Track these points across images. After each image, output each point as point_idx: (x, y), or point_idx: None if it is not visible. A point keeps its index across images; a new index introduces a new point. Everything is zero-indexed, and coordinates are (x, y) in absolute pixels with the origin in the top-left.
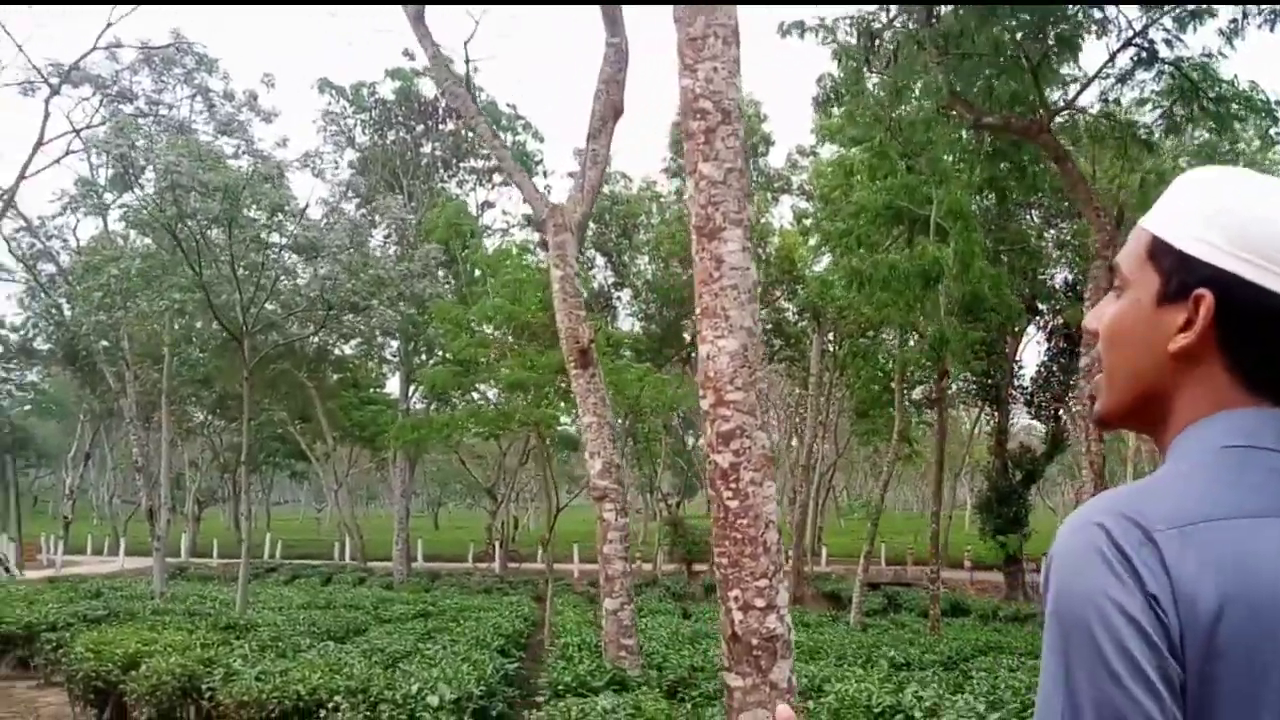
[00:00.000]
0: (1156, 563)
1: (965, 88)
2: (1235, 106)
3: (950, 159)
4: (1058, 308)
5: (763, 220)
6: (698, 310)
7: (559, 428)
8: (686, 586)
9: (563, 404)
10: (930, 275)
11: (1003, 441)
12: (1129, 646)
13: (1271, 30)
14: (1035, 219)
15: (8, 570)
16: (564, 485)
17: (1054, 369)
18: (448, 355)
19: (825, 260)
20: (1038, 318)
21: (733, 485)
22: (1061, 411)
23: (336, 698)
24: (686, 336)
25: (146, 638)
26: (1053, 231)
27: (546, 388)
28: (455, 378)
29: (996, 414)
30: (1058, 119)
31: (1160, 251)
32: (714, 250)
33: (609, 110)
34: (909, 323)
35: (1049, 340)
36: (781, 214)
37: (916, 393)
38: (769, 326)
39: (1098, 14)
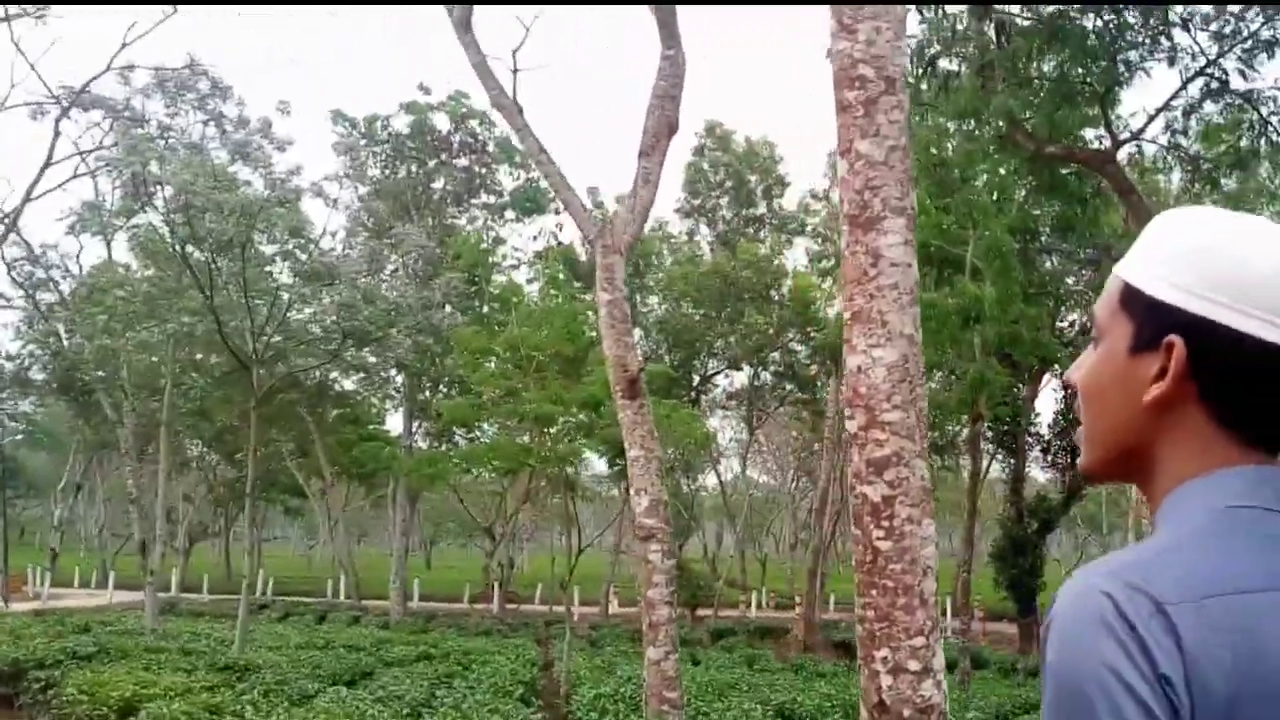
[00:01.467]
0: (1169, 640)
1: (1030, 116)
2: None
3: (990, 196)
4: (1075, 353)
5: (776, 263)
6: (846, 315)
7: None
8: (691, 631)
9: (584, 439)
10: (969, 314)
11: (1019, 490)
12: None
13: None
14: (1055, 263)
15: None
16: (557, 525)
17: (1071, 416)
18: (468, 387)
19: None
20: (1054, 365)
21: (885, 523)
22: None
23: None
24: (696, 377)
25: (144, 679)
26: (1071, 277)
27: (571, 421)
28: (475, 410)
29: (1014, 461)
30: (1123, 150)
31: (1131, 298)
32: (870, 243)
33: (663, 126)
34: (940, 364)
35: (1065, 388)
36: (795, 257)
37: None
38: (781, 369)
39: (1166, 41)
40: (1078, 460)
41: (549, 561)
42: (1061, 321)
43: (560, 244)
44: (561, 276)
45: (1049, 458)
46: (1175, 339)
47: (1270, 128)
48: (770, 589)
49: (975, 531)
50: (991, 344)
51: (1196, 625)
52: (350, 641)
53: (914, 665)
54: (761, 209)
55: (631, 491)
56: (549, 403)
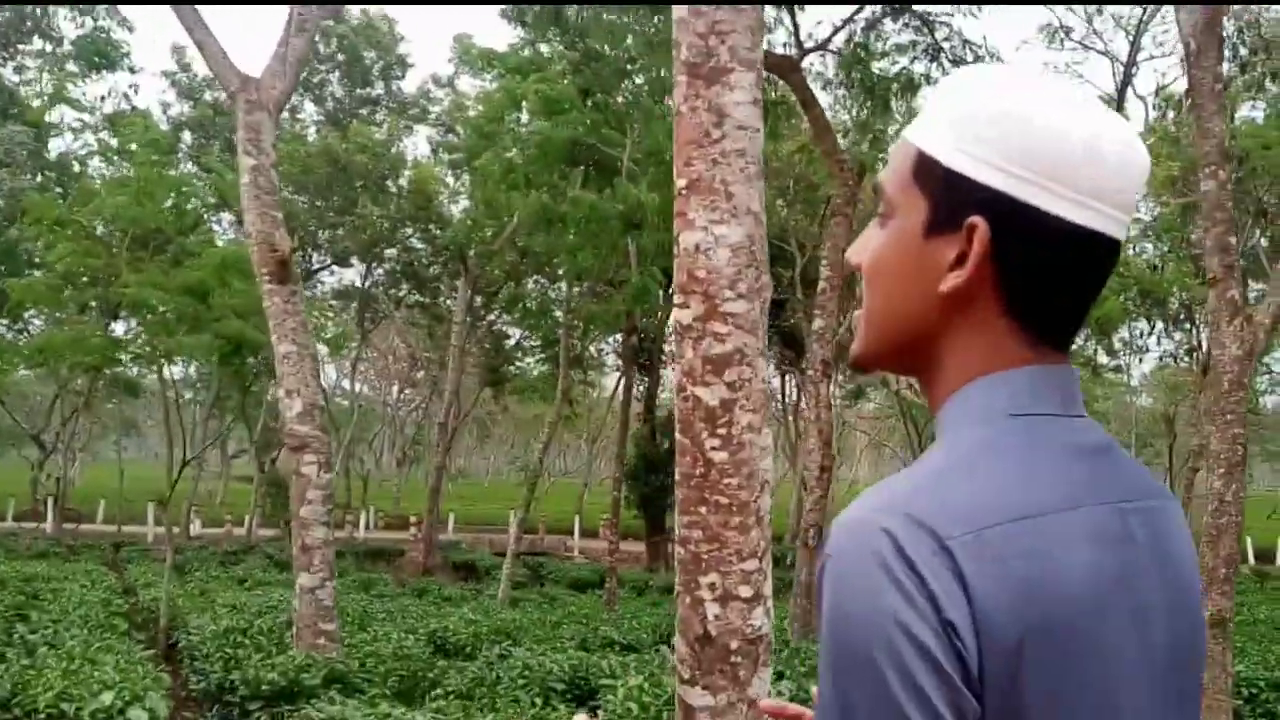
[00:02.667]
0: (953, 580)
1: None
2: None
3: (652, 98)
4: None
5: (394, 150)
6: (680, 184)
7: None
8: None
9: (188, 334)
10: (632, 219)
11: (651, 407)
12: (919, 681)
13: None
14: None
15: None
16: (113, 434)
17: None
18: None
19: (466, 201)
20: None
21: (721, 430)
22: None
23: None
24: (299, 271)
25: None
26: None
27: (170, 312)
28: (52, 293)
29: (648, 377)
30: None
31: (925, 171)
32: (714, 99)
33: None
34: (600, 270)
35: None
36: (416, 146)
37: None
38: (397, 269)
39: None
40: (851, 347)
41: (111, 473)
42: None
43: (134, 109)
44: (155, 147)
45: None
46: (979, 221)
47: (943, 54)
48: (377, 509)
49: (589, 453)
50: (650, 253)
51: (979, 560)
52: None
53: (745, 591)
54: (379, 90)
55: (281, 393)
56: (150, 287)
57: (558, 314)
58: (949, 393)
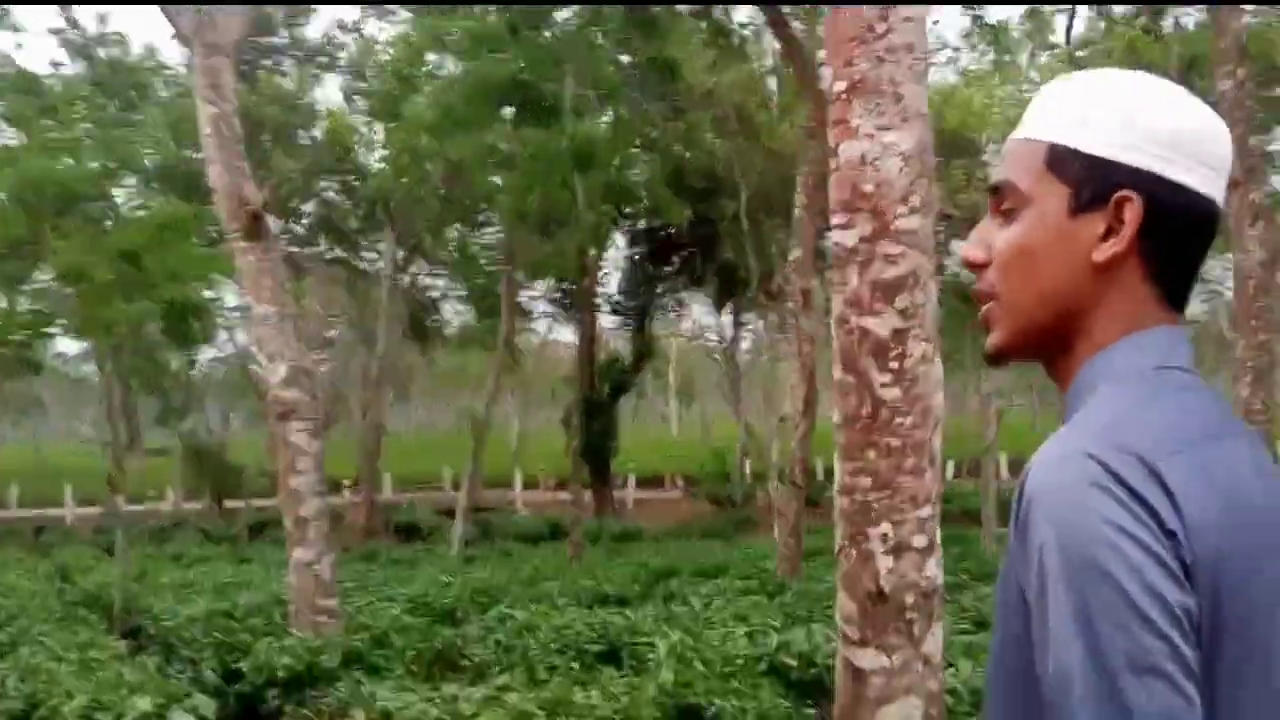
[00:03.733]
0: (1163, 495)
1: None
2: None
3: (595, 29)
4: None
5: (305, 100)
6: (838, 87)
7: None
8: (229, 528)
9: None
10: (585, 157)
11: (591, 352)
12: (1158, 587)
13: None
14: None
15: None
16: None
17: (640, 275)
18: None
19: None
20: (623, 221)
21: (894, 364)
22: (647, 320)
23: None
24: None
25: None
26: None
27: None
28: None
29: (585, 321)
30: None
31: (1064, 160)
32: None
33: None
34: (551, 211)
35: (632, 244)
36: (327, 95)
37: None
38: (315, 223)
39: None
40: (989, 340)
41: (12, 456)
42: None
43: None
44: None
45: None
46: (1132, 194)
47: None
48: None
49: (520, 400)
50: (598, 191)
51: (1186, 480)
52: None
53: (919, 541)
54: (283, 38)
55: (262, 358)
56: (85, 253)
57: (485, 263)
58: (1089, 355)
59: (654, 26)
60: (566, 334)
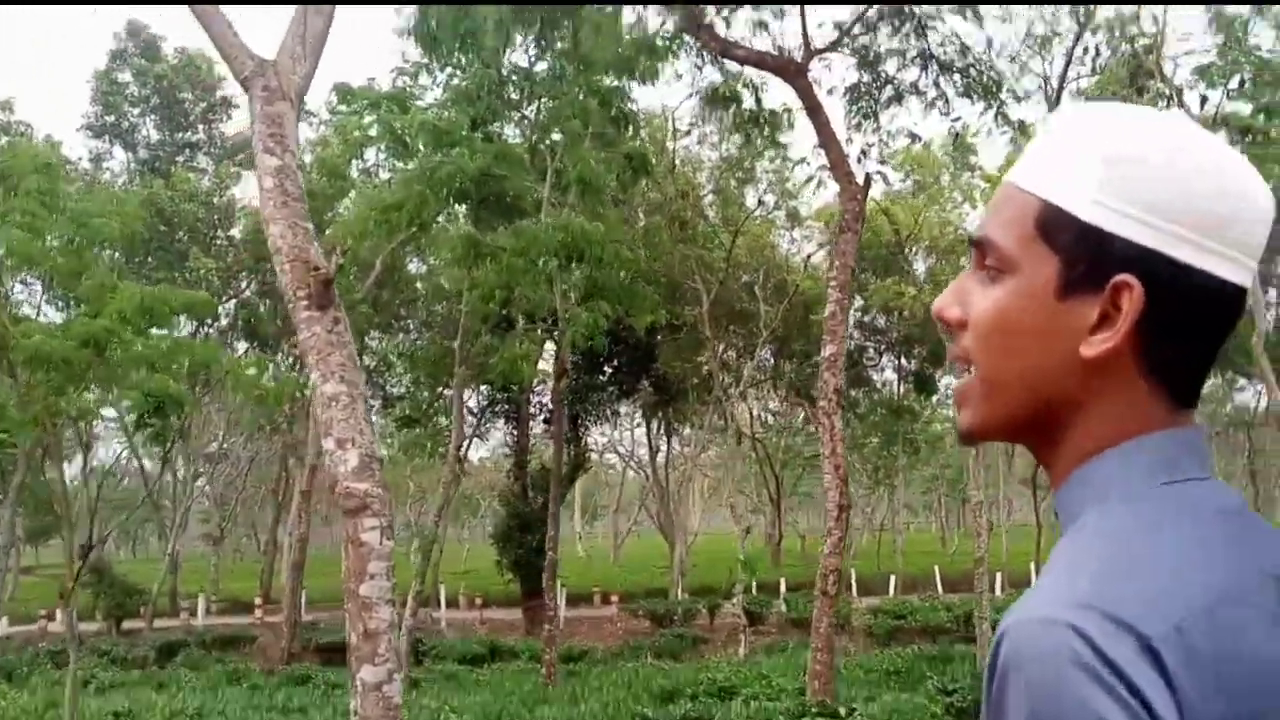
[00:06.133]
0: (1158, 679)
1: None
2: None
3: (576, 120)
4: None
5: (225, 198)
6: None
7: None
8: (130, 650)
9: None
10: (572, 252)
11: (523, 463)
12: None
13: None
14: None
15: None
16: None
17: (576, 382)
18: None
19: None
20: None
21: None
22: (582, 430)
23: None
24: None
25: None
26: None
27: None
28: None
29: (516, 431)
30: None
31: (1054, 223)
32: None
33: None
34: (535, 307)
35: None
36: (247, 192)
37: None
38: (235, 324)
39: None
40: (962, 417)
41: None
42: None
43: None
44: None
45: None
46: (1132, 281)
47: (935, 61)
48: (209, 592)
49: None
50: (581, 288)
51: (1183, 658)
52: None
53: None
54: (200, 134)
55: (330, 444)
56: (50, 337)
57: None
58: (1080, 460)
59: (628, 121)
60: (484, 446)
